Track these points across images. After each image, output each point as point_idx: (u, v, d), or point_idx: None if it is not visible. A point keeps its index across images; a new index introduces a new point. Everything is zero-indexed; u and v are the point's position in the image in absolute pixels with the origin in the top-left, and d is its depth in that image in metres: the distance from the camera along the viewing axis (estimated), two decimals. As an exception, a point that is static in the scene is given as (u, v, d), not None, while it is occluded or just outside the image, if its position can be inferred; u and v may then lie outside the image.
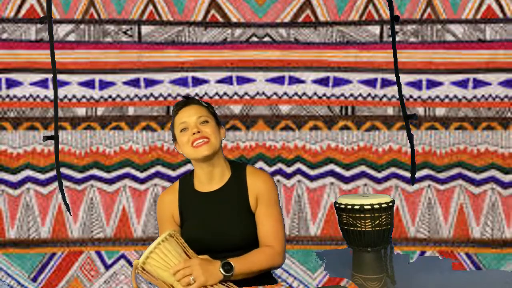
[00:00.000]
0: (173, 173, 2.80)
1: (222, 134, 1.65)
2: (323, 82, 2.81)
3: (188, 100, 1.65)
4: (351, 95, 2.81)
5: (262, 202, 1.61)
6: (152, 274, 1.37)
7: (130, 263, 2.79)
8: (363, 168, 2.81)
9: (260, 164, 2.79)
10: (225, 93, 2.79)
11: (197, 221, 1.61)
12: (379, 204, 1.47)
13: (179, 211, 1.65)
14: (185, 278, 1.35)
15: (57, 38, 2.76)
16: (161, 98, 2.80)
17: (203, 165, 1.60)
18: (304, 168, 2.81)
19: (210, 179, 1.63)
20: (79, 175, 2.80)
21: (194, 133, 1.55)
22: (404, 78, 2.79)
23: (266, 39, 2.80)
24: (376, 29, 2.80)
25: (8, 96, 2.79)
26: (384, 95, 2.81)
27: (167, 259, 1.36)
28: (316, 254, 2.79)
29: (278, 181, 2.80)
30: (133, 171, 2.80)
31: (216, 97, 2.81)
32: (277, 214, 1.62)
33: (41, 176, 2.79)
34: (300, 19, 2.81)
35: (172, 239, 1.40)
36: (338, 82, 2.81)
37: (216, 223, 1.58)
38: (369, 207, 1.47)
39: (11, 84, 2.79)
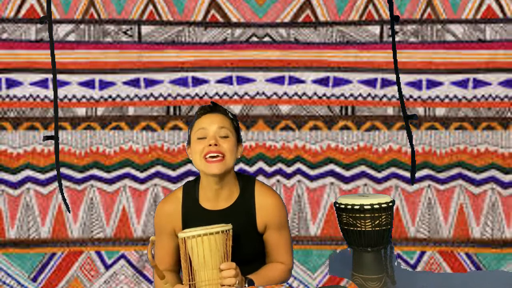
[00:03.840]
0: (173, 173, 2.80)
1: (239, 153, 1.57)
2: (323, 82, 2.81)
3: (214, 107, 1.55)
4: (351, 95, 2.81)
5: (273, 228, 1.59)
6: (189, 251, 1.37)
7: (130, 263, 2.79)
8: (363, 168, 2.81)
9: (260, 164, 2.79)
10: (225, 93, 2.79)
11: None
12: (379, 204, 1.47)
13: (182, 226, 1.56)
14: (229, 279, 1.35)
15: (57, 38, 2.76)
16: (161, 98, 2.81)
17: (211, 181, 1.50)
18: (304, 168, 2.81)
19: (217, 197, 1.54)
20: (79, 175, 2.80)
21: (210, 145, 1.45)
22: (404, 78, 2.79)
23: (266, 39, 2.80)
24: (376, 29, 2.80)
25: (8, 96, 2.79)
26: (384, 95, 2.81)
27: (213, 249, 1.35)
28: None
29: (278, 181, 2.80)
30: (133, 171, 2.80)
31: (216, 97, 2.81)
32: (287, 235, 1.63)
33: (41, 176, 2.79)
34: (300, 19, 2.81)
35: (225, 235, 1.39)
36: (338, 82, 2.81)
37: None
38: (369, 207, 1.47)
39: (11, 84, 2.79)
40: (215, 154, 1.45)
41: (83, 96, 2.80)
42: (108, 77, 2.80)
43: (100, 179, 2.80)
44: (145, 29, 2.80)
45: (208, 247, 1.34)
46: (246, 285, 1.44)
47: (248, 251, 1.56)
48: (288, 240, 1.64)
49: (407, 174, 2.79)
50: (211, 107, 1.56)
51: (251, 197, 1.56)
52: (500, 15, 2.78)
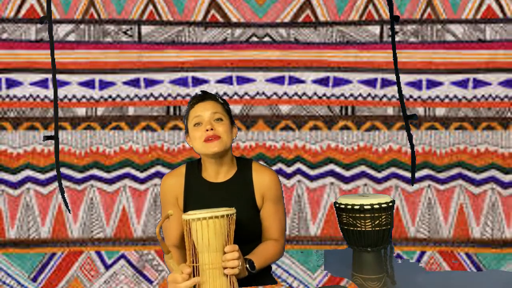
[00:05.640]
0: (173, 173, 2.80)
1: (234, 134, 1.65)
2: (323, 82, 2.81)
3: (205, 95, 1.64)
4: (351, 95, 2.81)
5: (270, 200, 1.65)
6: (193, 233, 1.37)
7: (130, 263, 2.79)
8: (363, 168, 2.81)
9: (260, 164, 2.79)
10: (225, 93, 2.79)
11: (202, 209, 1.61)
12: (379, 204, 1.47)
13: (184, 195, 1.65)
14: (232, 262, 1.35)
15: (57, 38, 2.76)
16: (161, 98, 2.81)
17: (211, 161, 1.61)
18: (304, 168, 2.81)
19: (217, 173, 1.64)
20: (79, 175, 2.80)
21: (207, 130, 1.55)
22: (404, 78, 2.79)
23: (266, 39, 2.80)
24: (376, 29, 2.80)
25: (8, 96, 2.79)
26: (384, 95, 2.81)
27: (217, 233, 1.36)
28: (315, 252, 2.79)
29: (278, 181, 2.80)
30: (133, 171, 2.80)
31: (216, 97, 2.81)
32: (282, 210, 1.69)
33: (41, 176, 2.79)
34: (300, 19, 2.81)
35: (229, 219, 1.39)
36: (338, 82, 2.81)
37: None
38: (369, 207, 1.47)
39: (11, 84, 2.79)
40: (212, 137, 1.55)
41: (83, 96, 2.80)
42: (108, 77, 2.80)
43: (100, 179, 2.80)
44: (145, 29, 2.80)
45: (213, 230, 1.35)
46: (247, 266, 1.45)
47: (246, 229, 1.59)
48: (283, 217, 1.69)
49: (407, 174, 2.79)
50: (202, 95, 1.64)
51: (248, 172, 1.66)
52: (500, 15, 2.78)
